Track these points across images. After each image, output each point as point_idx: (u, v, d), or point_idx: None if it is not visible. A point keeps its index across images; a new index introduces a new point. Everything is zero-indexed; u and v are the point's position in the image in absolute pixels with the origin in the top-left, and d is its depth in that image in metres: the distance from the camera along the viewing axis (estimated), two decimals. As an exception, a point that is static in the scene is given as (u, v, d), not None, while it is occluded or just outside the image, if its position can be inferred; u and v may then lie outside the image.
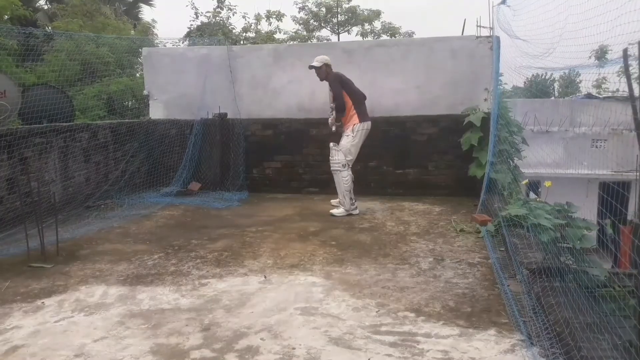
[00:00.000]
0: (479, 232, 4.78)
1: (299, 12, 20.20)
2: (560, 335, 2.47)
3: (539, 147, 8.65)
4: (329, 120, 5.83)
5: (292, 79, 7.25)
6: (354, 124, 5.61)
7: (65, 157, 5.99)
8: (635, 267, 2.49)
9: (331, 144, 5.72)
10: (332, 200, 6.13)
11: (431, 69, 6.85)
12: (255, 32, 17.09)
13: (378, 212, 5.82)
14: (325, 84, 5.83)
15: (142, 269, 3.98)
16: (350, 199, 5.70)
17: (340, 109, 5.63)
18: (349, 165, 5.66)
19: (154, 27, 17.08)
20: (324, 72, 5.72)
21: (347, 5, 19.96)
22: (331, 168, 5.72)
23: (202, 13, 16.44)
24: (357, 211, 5.77)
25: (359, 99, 5.70)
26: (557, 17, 3.51)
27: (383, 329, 2.84)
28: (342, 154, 5.62)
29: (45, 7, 17.12)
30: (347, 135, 5.64)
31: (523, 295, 3.13)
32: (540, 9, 4.01)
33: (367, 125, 5.68)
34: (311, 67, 5.74)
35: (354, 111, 5.64)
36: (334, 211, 5.74)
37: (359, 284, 3.55)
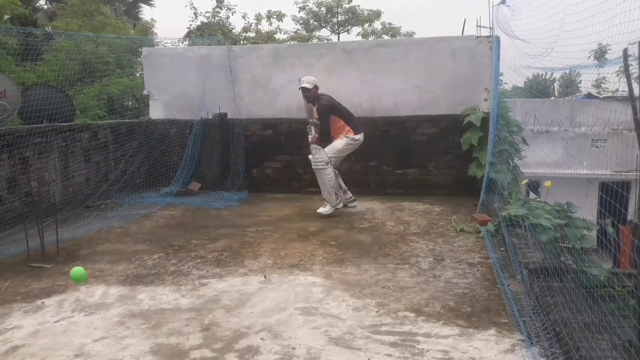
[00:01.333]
0: (479, 232, 4.78)
1: (299, 11, 20.24)
2: (559, 335, 2.47)
3: (538, 147, 8.65)
4: (309, 138, 5.75)
5: (292, 79, 7.23)
6: (349, 133, 5.62)
7: (65, 157, 5.99)
8: (635, 267, 2.50)
9: (313, 145, 5.63)
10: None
11: (431, 69, 6.85)
12: (256, 32, 17.09)
13: (378, 212, 5.82)
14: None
15: (142, 269, 3.98)
16: (336, 194, 5.69)
17: (325, 138, 5.64)
18: (331, 162, 5.62)
19: (153, 26, 17.10)
20: (313, 94, 5.66)
21: (347, 6, 19.98)
22: (313, 167, 5.66)
23: (201, 13, 16.46)
24: (341, 205, 5.80)
25: (348, 115, 5.72)
26: (555, 16, 3.52)
27: (383, 328, 2.84)
28: (324, 152, 5.57)
29: (45, 6, 17.12)
30: (341, 139, 5.63)
31: (523, 295, 3.13)
32: (538, 9, 4.01)
33: (361, 137, 5.68)
34: (302, 88, 5.66)
35: (347, 127, 5.65)
36: (321, 210, 5.69)
37: (359, 284, 3.55)
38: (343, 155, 5.80)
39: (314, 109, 5.73)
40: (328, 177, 5.59)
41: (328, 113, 5.61)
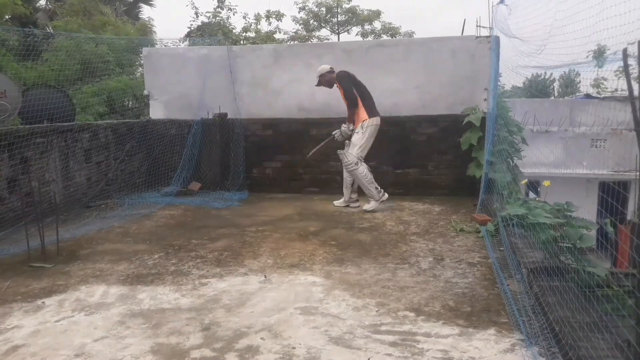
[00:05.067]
0: (479, 231, 4.78)
1: (299, 12, 20.23)
2: (559, 334, 2.47)
3: (537, 147, 8.66)
4: (341, 130, 5.89)
5: (292, 79, 7.26)
6: (363, 120, 5.69)
7: (66, 157, 6.00)
8: (634, 266, 2.50)
9: (339, 152, 5.84)
10: (335, 202, 6.15)
11: (431, 69, 6.86)
12: (255, 32, 17.09)
13: (378, 212, 5.83)
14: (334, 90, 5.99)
15: (143, 268, 3.99)
16: (376, 187, 5.77)
17: (353, 104, 5.73)
18: (361, 160, 5.73)
19: (152, 25, 17.09)
20: (328, 78, 5.90)
21: (347, 6, 19.97)
22: (347, 170, 5.82)
23: (202, 13, 16.47)
24: (386, 196, 5.85)
25: (365, 94, 5.80)
26: (547, 13, 3.53)
27: (383, 328, 2.85)
28: (351, 155, 5.69)
29: (44, 4, 17.11)
30: (357, 132, 5.72)
31: (523, 295, 3.14)
32: (532, 6, 4.03)
33: (376, 120, 5.75)
34: (317, 84, 6.01)
35: (362, 107, 5.72)
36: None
37: (359, 284, 3.55)
38: (369, 146, 5.81)
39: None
40: (362, 175, 5.71)
41: (348, 79, 5.74)
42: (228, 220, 5.62)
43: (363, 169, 5.72)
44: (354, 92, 5.72)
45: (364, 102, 5.74)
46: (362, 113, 5.72)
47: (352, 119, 5.80)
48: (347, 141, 5.92)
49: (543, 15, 3.66)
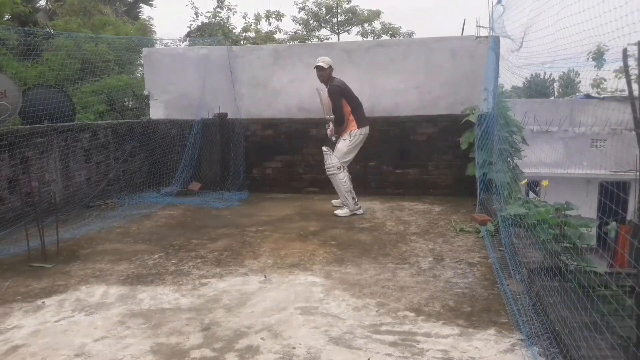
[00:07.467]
0: (479, 231, 4.79)
1: (299, 12, 20.22)
2: (559, 334, 2.47)
3: (536, 148, 8.66)
4: (328, 132, 5.80)
5: (292, 79, 7.26)
6: (352, 130, 5.59)
7: (66, 157, 6.00)
8: (634, 267, 2.50)
9: (324, 149, 5.68)
10: (333, 201, 6.15)
11: (431, 69, 6.86)
12: (255, 32, 17.09)
13: (378, 212, 5.83)
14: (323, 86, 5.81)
15: (143, 268, 3.99)
16: (353, 198, 5.68)
17: (339, 121, 5.60)
18: (344, 167, 5.63)
19: (151, 25, 17.09)
20: (327, 74, 5.63)
21: (347, 6, 19.98)
22: (327, 173, 5.69)
23: (202, 13, 16.47)
24: (361, 210, 5.73)
25: (357, 104, 5.68)
26: (530, 14, 3.55)
27: (383, 328, 2.85)
28: (335, 158, 5.58)
29: (44, 4, 17.11)
30: (344, 139, 5.61)
31: (523, 295, 3.14)
32: (521, 6, 4.05)
33: (365, 130, 5.66)
34: (316, 67, 5.61)
35: (352, 117, 5.61)
36: (338, 212, 5.72)
37: (359, 284, 3.56)
38: (353, 155, 5.72)
39: (330, 103, 5.66)
40: (342, 181, 5.59)
41: (339, 94, 5.55)
42: (228, 220, 5.62)
43: (343, 176, 5.60)
44: (343, 108, 5.54)
45: (354, 113, 5.60)
46: (352, 123, 5.59)
47: (338, 132, 5.66)
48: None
49: (526, 15, 3.68)
